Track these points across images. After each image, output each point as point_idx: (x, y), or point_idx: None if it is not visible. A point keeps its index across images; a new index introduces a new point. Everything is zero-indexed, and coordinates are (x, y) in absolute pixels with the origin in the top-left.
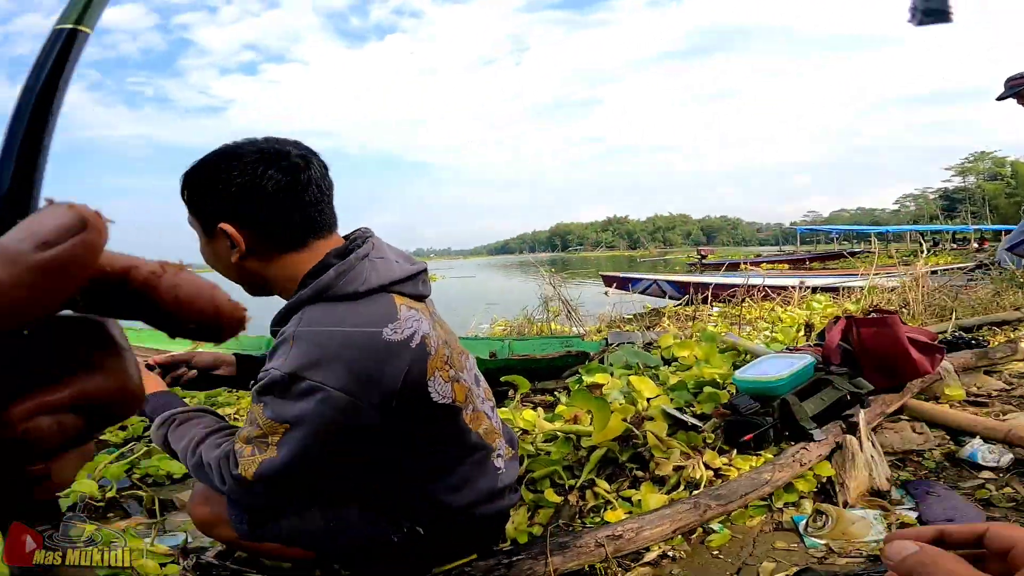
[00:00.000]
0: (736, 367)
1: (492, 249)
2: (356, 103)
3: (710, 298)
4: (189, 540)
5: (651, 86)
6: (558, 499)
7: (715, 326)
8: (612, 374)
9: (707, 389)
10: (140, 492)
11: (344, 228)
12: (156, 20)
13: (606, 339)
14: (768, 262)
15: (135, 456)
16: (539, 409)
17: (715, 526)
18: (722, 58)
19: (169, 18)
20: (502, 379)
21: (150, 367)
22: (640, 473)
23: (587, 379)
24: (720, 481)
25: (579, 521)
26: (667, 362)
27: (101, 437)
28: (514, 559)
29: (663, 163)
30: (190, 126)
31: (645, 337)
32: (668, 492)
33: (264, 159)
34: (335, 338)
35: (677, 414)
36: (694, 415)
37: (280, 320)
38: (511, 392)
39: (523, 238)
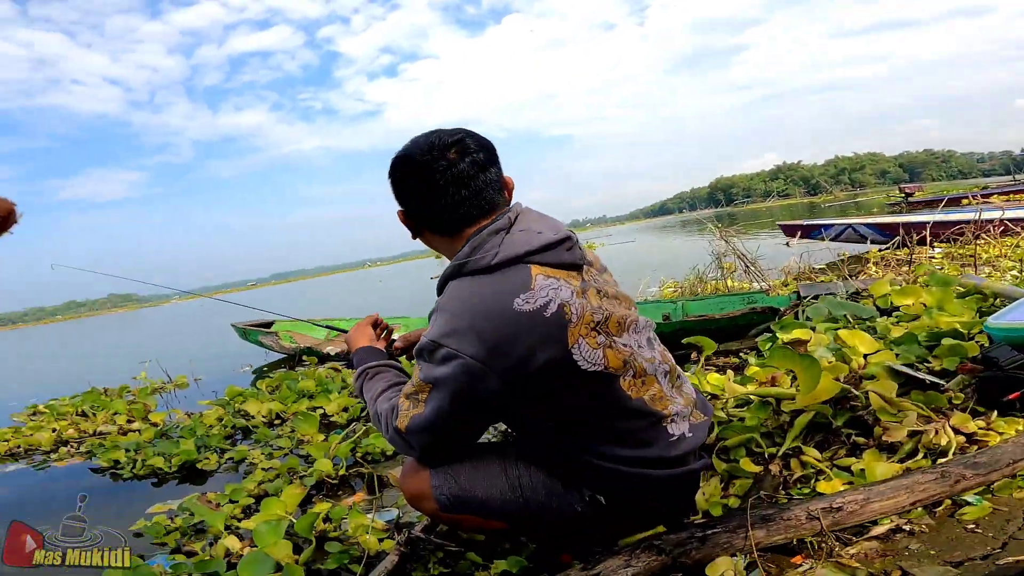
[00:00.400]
0: (983, 314)
1: (648, 212)
2: (491, 87)
3: (928, 238)
4: (400, 515)
5: (801, 23)
6: (756, 469)
7: (941, 270)
8: (814, 329)
9: (946, 341)
10: (363, 470)
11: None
12: (303, 38)
13: (796, 292)
14: (1002, 193)
15: (357, 436)
16: (728, 372)
17: (970, 498)
18: None
19: (313, 34)
20: (683, 341)
21: (375, 325)
22: (861, 440)
23: (783, 336)
24: (975, 448)
25: (783, 493)
26: (884, 313)
27: (331, 418)
28: (708, 532)
29: (833, 104)
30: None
31: (847, 287)
32: (901, 460)
33: (419, 166)
34: (468, 309)
35: (909, 371)
36: (930, 371)
37: (439, 293)
38: (693, 354)
39: (681, 197)
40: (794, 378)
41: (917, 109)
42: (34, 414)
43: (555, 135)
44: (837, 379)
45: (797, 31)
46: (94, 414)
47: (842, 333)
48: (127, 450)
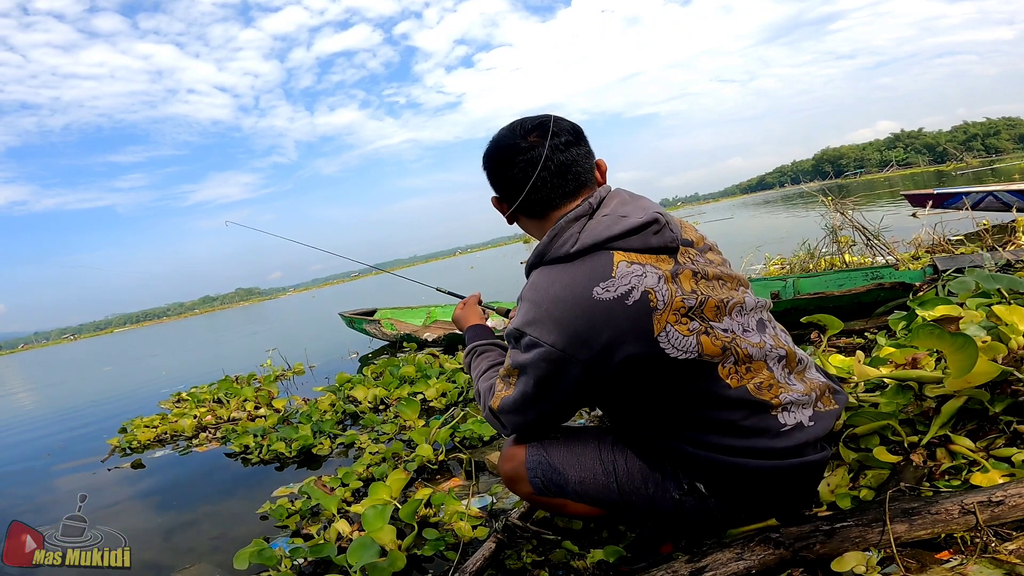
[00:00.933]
0: None
1: (745, 188)
2: (569, 71)
3: None
4: (494, 501)
5: None
6: (894, 459)
7: None
8: (963, 305)
9: None
10: (461, 455)
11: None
12: (382, 35)
13: (932, 265)
14: None
15: (455, 421)
16: (857, 352)
17: None
18: None
19: (390, 30)
20: (802, 320)
21: (480, 303)
22: (1023, 428)
23: (924, 313)
24: None
25: (927, 485)
26: None
27: (430, 403)
28: (837, 525)
29: (954, 69)
30: (440, 123)
31: (996, 258)
32: None
33: (499, 153)
34: (547, 298)
35: None
36: None
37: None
38: (814, 334)
39: (781, 171)
40: (940, 359)
41: None
42: (178, 401)
43: (639, 115)
44: (995, 360)
45: None
46: (228, 401)
47: (997, 309)
48: (255, 436)
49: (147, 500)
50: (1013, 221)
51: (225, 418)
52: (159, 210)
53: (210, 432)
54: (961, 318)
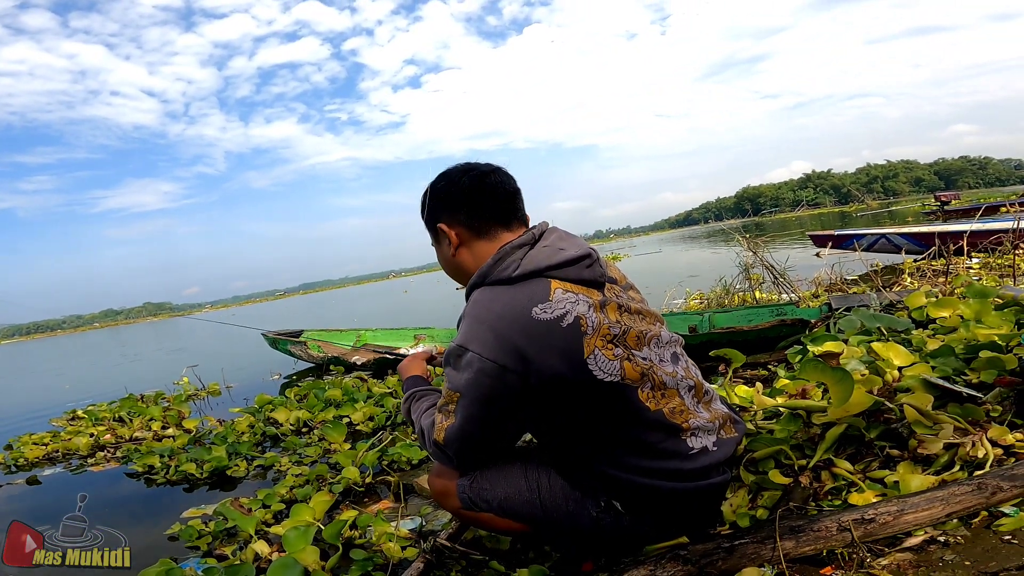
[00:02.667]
0: (1022, 326)
1: (673, 222)
2: (515, 98)
3: (965, 248)
4: (424, 523)
5: (826, 30)
6: (786, 480)
7: (978, 280)
8: (846, 342)
9: (984, 354)
10: (389, 478)
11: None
12: (330, 49)
13: (827, 304)
14: None
15: (383, 444)
16: (756, 384)
17: (1007, 509)
18: None
19: (339, 45)
20: (711, 353)
21: (430, 360)
22: (895, 452)
23: (814, 348)
24: (1013, 460)
25: (813, 504)
26: (919, 325)
27: (356, 427)
28: (736, 543)
29: (863, 111)
30: (382, 143)
31: (881, 299)
32: (937, 473)
33: (460, 172)
34: (489, 314)
35: (945, 384)
36: (967, 384)
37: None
38: (721, 367)
39: (707, 207)
40: (825, 391)
41: (952, 115)
42: (73, 419)
43: (580, 145)
44: (871, 392)
45: (825, 38)
46: (131, 420)
47: (876, 346)
48: (161, 456)
49: (33, 516)
50: (902, 263)
51: (127, 437)
52: (65, 215)
53: (108, 452)
54: (842, 353)
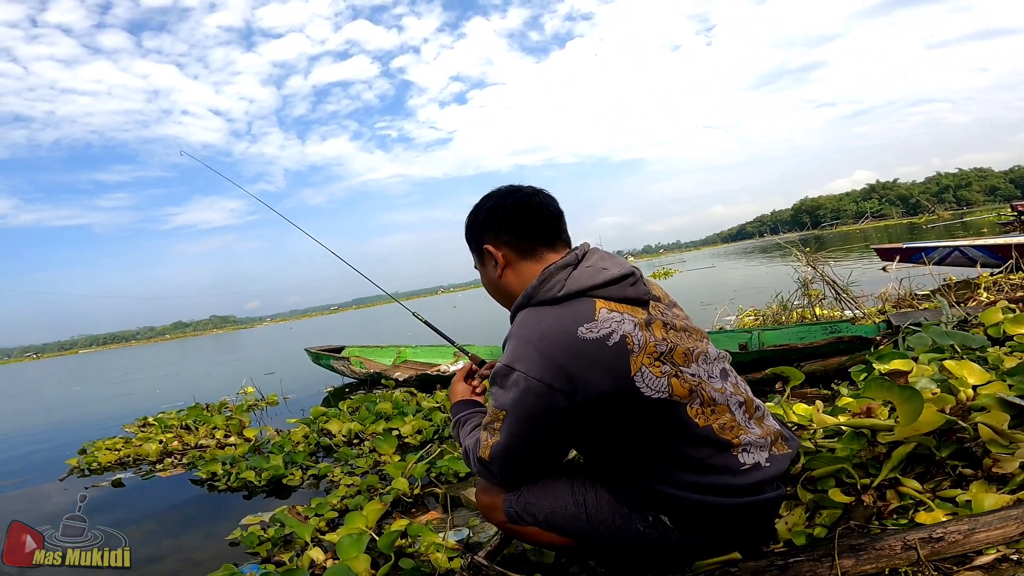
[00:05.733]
0: None
1: (726, 236)
2: (558, 113)
3: None
4: (471, 534)
5: (884, 36)
6: (847, 499)
7: None
8: (916, 359)
9: None
10: (437, 489)
11: (571, 234)
12: (379, 68)
13: (887, 321)
14: None
15: (431, 457)
16: (817, 402)
17: None
18: None
19: (388, 63)
20: (768, 372)
21: (470, 374)
22: (968, 471)
23: (880, 367)
24: None
25: (876, 523)
26: (996, 342)
27: (405, 439)
28: (790, 560)
29: (928, 117)
30: (430, 159)
31: (954, 315)
32: (1012, 492)
33: (504, 194)
34: (535, 335)
35: (1022, 403)
36: None
37: (511, 322)
38: (779, 384)
39: (762, 220)
40: (892, 409)
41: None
42: (144, 426)
43: (625, 159)
44: (942, 411)
45: (883, 44)
46: (196, 428)
47: (949, 364)
48: (223, 463)
49: (109, 517)
50: (977, 277)
51: (193, 445)
52: (138, 231)
53: (176, 458)
54: (911, 372)
